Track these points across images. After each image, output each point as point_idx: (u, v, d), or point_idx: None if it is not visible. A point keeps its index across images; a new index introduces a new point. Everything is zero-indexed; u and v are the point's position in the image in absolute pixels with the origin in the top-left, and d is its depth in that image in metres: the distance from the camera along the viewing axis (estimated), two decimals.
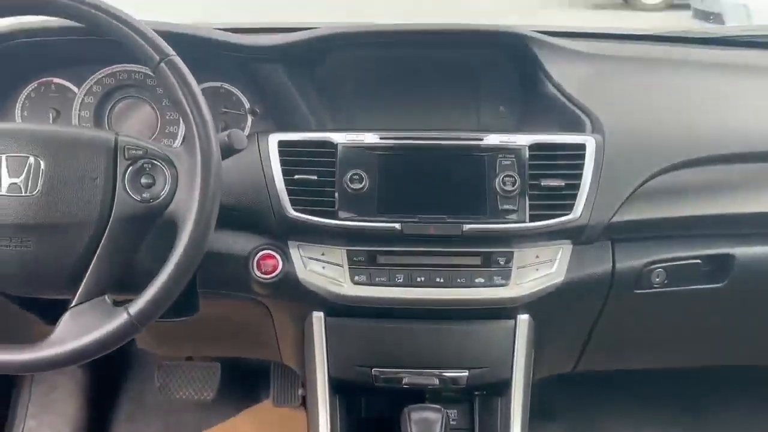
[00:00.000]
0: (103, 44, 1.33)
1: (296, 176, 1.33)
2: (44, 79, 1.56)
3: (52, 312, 1.17)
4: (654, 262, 1.44)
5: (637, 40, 1.74)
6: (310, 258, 1.37)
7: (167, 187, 1.13)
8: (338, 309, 1.38)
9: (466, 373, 1.41)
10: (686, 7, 8.38)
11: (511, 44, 1.54)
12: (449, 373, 1.42)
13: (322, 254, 1.36)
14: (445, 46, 1.59)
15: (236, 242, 1.38)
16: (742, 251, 1.48)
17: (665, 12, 9.50)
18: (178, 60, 1.10)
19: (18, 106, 1.56)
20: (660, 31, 1.81)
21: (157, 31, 1.12)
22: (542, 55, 1.51)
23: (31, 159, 1.10)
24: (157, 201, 1.13)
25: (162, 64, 1.10)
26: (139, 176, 1.13)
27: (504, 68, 1.57)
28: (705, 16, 7.60)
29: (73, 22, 1.12)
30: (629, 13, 9.61)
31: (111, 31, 1.11)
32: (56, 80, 1.56)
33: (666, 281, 1.46)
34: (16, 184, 1.09)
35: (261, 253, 1.37)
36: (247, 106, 1.55)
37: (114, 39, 1.11)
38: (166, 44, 1.11)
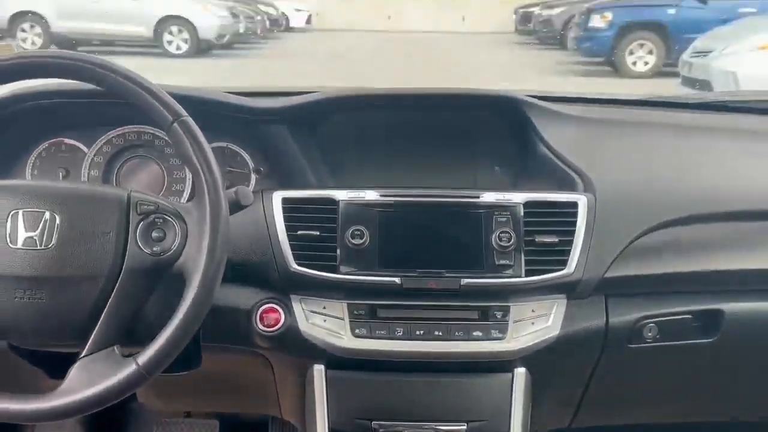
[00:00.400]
0: (113, 106, 1.40)
1: (299, 232, 1.38)
2: (55, 140, 1.62)
3: (59, 367, 1.19)
4: (646, 317, 1.48)
5: (625, 105, 1.82)
6: (312, 311, 1.40)
7: (177, 241, 1.17)
8: (339, 361, 1.41)
9: (464, 427, 1.43)
10: (675, 75, 8.57)
11: (505, 107, 1.61)
12: (448, 427, 1.43)
13: (324, 308, 1.40)
14: (442, 109, 1.66)
15: (239, 296, 1.41)
16: (731, 307, 1.52)
17: (654, 80, 9.73)
18: (190, 120, 1.16)
19: (29, 165, 1.61)
20: (648, 97, 1.89)
21: (169, 94, 1.18)
22: (535, 118, 1.58)
23: (47, 214, 1.15)
24: (167, 254, 1.17)
25: (175, 124, 1.15)
26: (150, 230, 1.18)
27: (499, 130, 1.64)
28: (692, 83, 7.78)
29: (88, 85, 1.18)
30: (618, 80, 9.84)
31: (127, 93, 1.17)
32: (67, 140, 1.61)
33: (658, 336, 1.49)
34: (32, 237, 1.14)
35: (264, 307, 1.40)
36: (252, 165, 1.61)
37: (129, 100, 1.17)
38: (179, 105, 1.17)
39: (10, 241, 1.14)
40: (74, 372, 1.12)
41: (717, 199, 1.52)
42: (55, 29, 11.59)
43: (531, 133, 1.57)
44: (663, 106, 1.85)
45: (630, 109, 1.80)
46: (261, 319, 1.40)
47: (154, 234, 1.17)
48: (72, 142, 1.61)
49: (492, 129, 1.64)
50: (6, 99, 1.53)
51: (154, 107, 1.16)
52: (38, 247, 1.13)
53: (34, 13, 11.54)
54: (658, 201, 1.49)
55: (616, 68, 10.19)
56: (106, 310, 1.14)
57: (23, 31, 11.73)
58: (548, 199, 1.42)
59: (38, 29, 11.77)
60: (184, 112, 1.16)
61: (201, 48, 11.93)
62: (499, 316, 1.39)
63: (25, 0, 11.52)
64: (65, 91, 1.54)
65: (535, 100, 1.60)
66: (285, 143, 1.57)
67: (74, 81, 1.20)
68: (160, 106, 1.16)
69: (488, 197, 1.41)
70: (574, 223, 1.40)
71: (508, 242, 1.37)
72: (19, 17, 11.56)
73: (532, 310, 1.40)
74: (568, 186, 1.49)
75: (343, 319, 1.39)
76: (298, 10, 15.93)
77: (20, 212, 1.15)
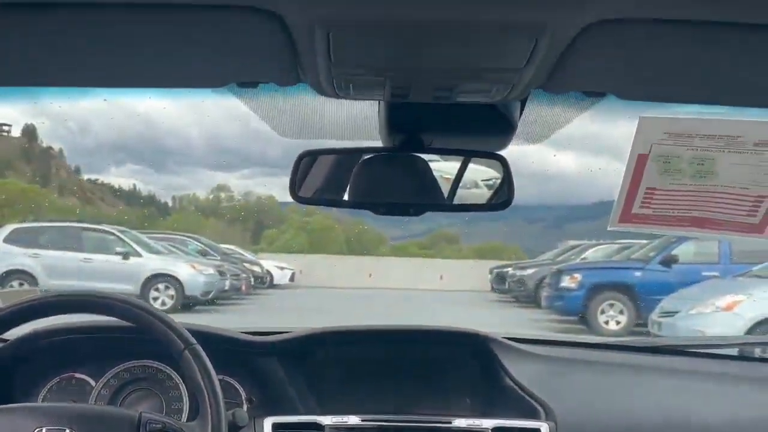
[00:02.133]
0: (119, 342, 1.58)
1: None
2: (66, 375, 1.77)
3: None
4: None
5: (581, 347, 2.03)
6: None
7: None
8: None
9: None
10: (646, 333, 8.86)
11: (473, 343, 1.82)
12: None
13: None
14: (418, 344, 1.86)
15: None
16: None
17: (625, 338, 9.96)
18: (199, 348, 1.35)
19: (39, 399, 1.74)
20: (602, 340, 2.11)
21: None
22: (501, 355, 1.78)
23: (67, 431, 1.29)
24: None
25: (186, 351, 1.34)
26: None
27: (469, 362, 1.84)
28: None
29: (100, 322, 1.38)
30: (592, 337, 10.07)
31: (143, 323, 1.36)
32: (77, 375, 1.77)
33: None
34: None
35: None
36: (244, 395, 1.76)
37: (145, 330, 1.36)
38: (189, 334, 1.36)
39: None
40: None
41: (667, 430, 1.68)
42: (44, 287, 11.85)
43: (497, 366, 1.77)
44: (615, 349, 2.07)
45: (587, 351, 2.01)
46: None
47: None
48: (81, 376, 1.76)
49: (463, 361, 1.84)
50: (27, 336, 1.70)
51: (167, 335, 1.35)
52: None
53: (24, 272, 11.90)
54: (615, 429, 1.64)
55: (589, 326, 10.46)
56: None
57: (11, 287, 11.98)
58: (514, 426, 1.58)
59: (27, 287, 12.02)
60: (194, 340, 1.35)
61: (186, 303, 12.19)
62: None
63: (15, 258, 11.92)
64: (78, 327, 1.73)
65: (500, 338, 1.81)
66: (276, 374, 1.75)
67: (88, 317, 1.40)
68: (173, 335, 1.35)
69: (459, 423, 1.57)
70: None
71: None
72: (10, 275, 11.89)
73: None
74: (532, 414, 1.65)
75: None
76: (282, 268, 16.57)
77: (44, 429, 1.28)
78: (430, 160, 1.47)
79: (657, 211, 1.40)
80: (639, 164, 1.34)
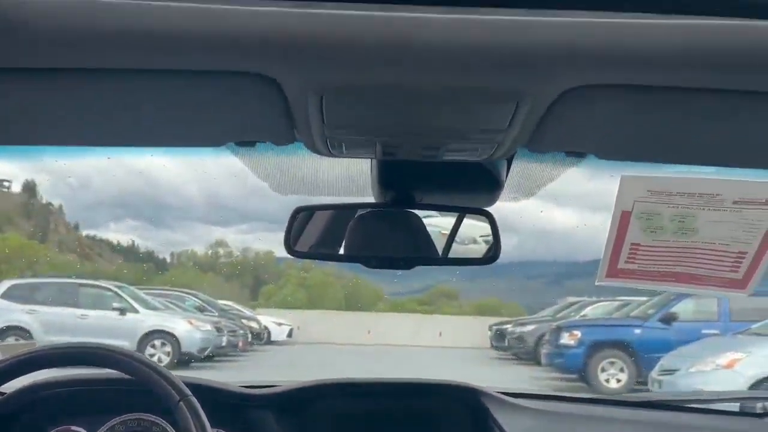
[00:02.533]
0: (117, 394, 1.60)
1: None
2: (62, 427, 1.78)
3: None
4: None
5: (573, 402, 2.05)
6: None
7: None
8: None
9: None
10: (646, 391, 8.80)
11: (465, 397, 1.84)
12: None
13: None
14: (412, 397, 1.88)
15: None
16: None
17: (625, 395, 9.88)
18: (194, 401, 1.37)
19: None
20: (593, 395, 2.13)
21: None
22: (494, 409, 1.80)
23: None
24: None
25: (181, 403, 1.36)
26: None
27: (461, 416, 1.85)
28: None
29: (98, 375, 1.40)
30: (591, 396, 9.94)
31: (140, 375, 1.38)
32: (73, 428, 1.77)
33: None
34: None
35: None
36: None
37: (141, 383, 1.39)
38: (184, 386, 1.38)
39: None
40: None
41: None
42: (40, 344, 11.74)
43: (490, 420, 1.79)
44: (610, 404, 2.08)
45: (581, 405, 2.02)
46: None
47: None
48: (78, 429, 1.77)
49: (455, 414, 1.86)
50: (25, 389, 1.72)
51: (163, 387, 1.37)
52: None
53: (20, 328, 11.85)
54: None
55: (590, 384, 10.37)
56: None
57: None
58: None
59: (22, 341, 11.96)
60: (189, 392, 1.37)
61: (182, 360, 12.10)
62: None
63: (12, 314, 11.88)
64: (74, 380, 1.74)
65: (493, 392, 1.83)
66: (270, 427, 1.76)
67: (84, 370, 1.42)
68: (169, 387, 1.37)
69: None
70: None
71: None
72: (6, 331, 11.83)
73: None
74: None
75: None
76: (280, 324, 16.50)
77: None
78: (427, 216, 1.51)
79: (642, 266, 1.43)
80: (623, 221, 1.38)
